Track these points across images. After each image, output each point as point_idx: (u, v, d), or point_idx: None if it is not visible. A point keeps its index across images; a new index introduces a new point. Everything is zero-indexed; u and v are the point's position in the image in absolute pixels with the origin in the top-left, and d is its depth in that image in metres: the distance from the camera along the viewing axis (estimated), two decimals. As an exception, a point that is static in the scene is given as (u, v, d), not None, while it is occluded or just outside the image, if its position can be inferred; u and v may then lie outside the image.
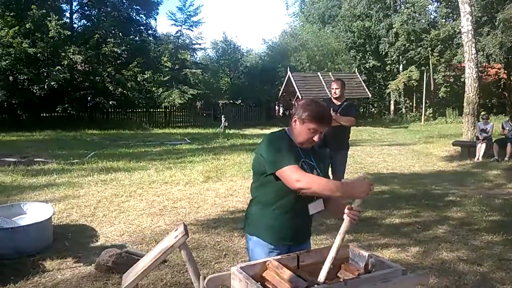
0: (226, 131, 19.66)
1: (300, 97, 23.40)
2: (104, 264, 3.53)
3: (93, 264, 3.70)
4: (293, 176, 2.01)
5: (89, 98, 21.98)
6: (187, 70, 27.25)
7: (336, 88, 5.48)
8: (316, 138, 2.19)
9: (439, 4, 30.22)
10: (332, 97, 5.61)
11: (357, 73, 26.10)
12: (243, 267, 1.95)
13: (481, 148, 10.10)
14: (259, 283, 1.80)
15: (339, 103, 5.48)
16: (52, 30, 19.68)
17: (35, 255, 3.94)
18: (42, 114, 22.06)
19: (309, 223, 2.34)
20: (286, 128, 2.34)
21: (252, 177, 2.32)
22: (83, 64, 22.57)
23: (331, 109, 5.41)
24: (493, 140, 10.29)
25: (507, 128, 10.15)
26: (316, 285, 1.79)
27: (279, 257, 2.08)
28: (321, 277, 1.87)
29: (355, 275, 1.95)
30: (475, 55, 12.46)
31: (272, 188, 2.19)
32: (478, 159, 10.03)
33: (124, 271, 2.93)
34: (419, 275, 1.94)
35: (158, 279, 3.49)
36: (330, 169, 5.65)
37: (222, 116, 22.39)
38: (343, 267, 2.13)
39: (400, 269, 1.92)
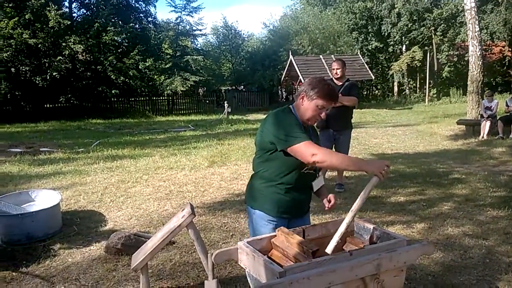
0: (230, 117, 19.65)
1: (302, 81, 23.30)
2: (114, 247, 3.59)
3: (102, 247, 3.76)
4: (309, 150, 2.07)
5: (91, 87, 21.99)
6: (189, 57, 27.11)
7: (337, 68, 5.45)
8: (322, 115, 2.25)
9: (441, -18, 29.79)
10: (333, 78, 5.59)
11: (360, 55, 25.88)
12: (250, 241, 1.98)
13: (485, 126, 10.05)
14: (266, 256, 1.84)
15: (340, 83, 5.46)
16: (52, 20, 19.63)
17: (45, 240, 4.01)
18: (45, 105, 22.14)
19: (309, 198, 2.42)
20: (290, 105, 2.36)
21: (255, 152, 2.35)
22: (84, 54, 22.54)
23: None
24: (497, 118, 10.23)
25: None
26: (322, 256, 1.83)
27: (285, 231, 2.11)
28: (329, 249, 1.90)
29: (360, 247, 1.98)
30: (479, 33, 12.31)
31: (278, 164, 2.23)
32: (482, 137, 9.99)
33: (133, 253, 2.99)
34: (423, 245, 1.96)
35: (167, 259, 3.55)
36: (333, 149, 5.69)
37: (225, 102, 22.36)
38: (349, 240, 2.17)
39: (404, 239, 1.95)
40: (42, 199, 4.68)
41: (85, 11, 25.07)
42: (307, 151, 2.07)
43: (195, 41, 31.79)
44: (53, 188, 5.80)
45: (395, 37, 30.73)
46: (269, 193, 2.28)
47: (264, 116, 2.45)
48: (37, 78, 20.15)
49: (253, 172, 2.42)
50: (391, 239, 1.97)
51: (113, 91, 22.07)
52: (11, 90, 19.84)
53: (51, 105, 22.46)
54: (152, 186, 6.18)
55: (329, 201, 2.39)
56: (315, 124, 2.43)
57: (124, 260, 3.50)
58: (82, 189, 5.98)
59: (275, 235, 2.06)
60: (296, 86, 24.14)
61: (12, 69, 20.17)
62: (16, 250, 3.76)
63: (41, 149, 9.60)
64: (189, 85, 26.23)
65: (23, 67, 20.78)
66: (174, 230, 2.71)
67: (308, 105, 2.23)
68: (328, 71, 21.74)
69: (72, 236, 4.16)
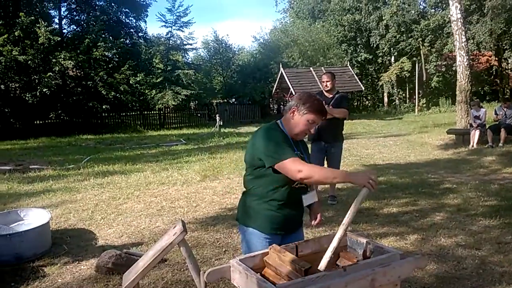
0: (221, 130, 19.66)
1: (293, 93, 23.43)
2: (104, 266, 3.52)
3: (93, 266, 3.70)
4: (295, 167, 2.08)
5: (82, 103, 21.92)
6: (180, 71, 27.21)
7: (327, 81, 5.50)
8: (312, 130, 2.28)
9: (427, -6, 30.37)
10: (323, 90, 5.62)
11: (349, 67, 26.14)
12: (242, 259, 1.95)
13: (475, 135, 10.15)
14: (259, 274, 1.81)
15: (330, 95, 5.50)
16: (42, 37, 19.59)
17: (35, 260, 3.93)
18: (35, 122, 21.96)
19: (302, 213, 2.41)
20: (278, 120, 2.37)
21: (246, 169, 2.35)
22: (74, 70, 22.50)
23: (323, 102, 5.44)
24: (486, 127, 10.34)
25: (501, 113, 10.20)
26: (316, 273, 1.81)
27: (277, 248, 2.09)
28: (322, 265, 1.89)
29: (354, 262, 1.96)
30: (466, 43, 12.51)
31: (268, 181, 2.22)
32: (472, 146, 10.08)
33: (124, 272, 2.93)
34: (417, 258, 1.95)
35: (158, 278, 3.49)
36: (325, 162, 5.69)
37: (217, 115, 22.40)
38: (342, 255, 2.15)
39: (398, 253, 1.94)
40: (32, 218, 4.61)
41: (75, 27, 25.13)
42: (293, 167, 2.08)
43: (186, 55, 32.01)
44: (43, 206, 5.72)
45: (383, 48, 31.16)
46: (261, 210, 2.27)
47: (255, 129, 2.46)
48: (27, 95, 20.01)
49: (245, 189, 2.41)
50: (385, 253, 1.96)
51: (104, 107, 21.99)
52: (0, 107, 19.68)
53: (41, 122, 22.28)
54: (143, 202, 6.11)
55: (315, 219, 2.44)
56: (306, 137, 2.45)
57: (115, 279, 3.44)
58: (72, 207, 5.89)
59: (267, 252, 2.03)
60: (287, 98, 24.26)
61: (2, 86, 20.02)
62: (5, 271, 3.68)
63: (30, 167, 9.47)
64: (181, 99, 26.26)
65: (13, 83, 20.64)
66: (165, 248, 2.66)
67: (299, 120, 2.24)
68: (319, 83, 21.90)
69: (62, 255, 4.08)
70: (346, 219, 1.93)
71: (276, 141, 2.19)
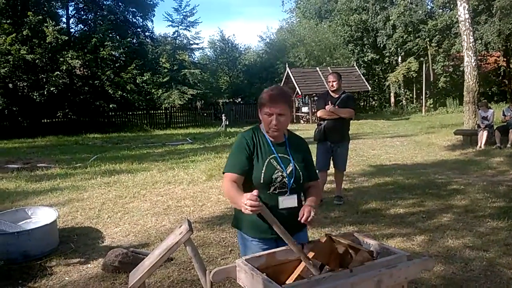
0: (227, 130, 19.67)
1: (300, 93, 23.38)
2: (111, 264, 3.54)
3: (100, 265, 3.72)
4: (222, 183, 2.17)
5: (89, 102, 22.05)
6: (186, 70, 27.30)
7: (333, 81, 5.50)
8: (274, 121, 2.12)
9: (435, -6, 30.17)
10: (329, 90, 5.61)
11: (356, 67, 26.06)
12: (248, 259, 1.95)
13: (482, 136, 10.07)
14: (265, 274, 1.81)
15: (337, 95, 5.49)
16: (50, 36, 19.75)
17: (42, 258, 3.96)
18: (43, 120, 22.13)
19: (292, 216, 2.13)
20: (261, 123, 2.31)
21: None
22: (81, 69, 22.65)
23: (330, 102, 5.44)
24: (494, 128, 10.26)
25: (509, 114, 10.11)
26: (323, 274, 1.81)
27: (283, 248, 2.08)
28: (315, 272, 1.89)
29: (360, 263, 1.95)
30: (473, 43, 12.41)
31: (246, 185, 2.18)
32: (480, 147, 10.01)
33: (131, 270, 2.94)
34: (424, 260, 1.94)
35: (165, 276, 3.50)
36: (332, 162, 5.68)
37: (223, 115, 22.42)
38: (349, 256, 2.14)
39: (404, 255, 1.93)
40: (39, 216, 4.64)
41: (82, 27, 25.29)
42: (223, 183, 2.17)
43: (192, 54, 32.12)
44: (50, 204, 5.76)
45: (390, 48, 31.01)
46: (245, 214, 2.12)
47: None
48: (35, 94, 20.21)
49: None
50: (391, 255, 1.95)
51: (110, 106, 22.14)
52: (8, 105, 19.86)
53: (48, 120, 22.47)
54: (149, 201, 6.13)
55: (303, 215, 2.08)
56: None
57: (121, 278, 3.45)
58: (80, 205, 5.93)
59: (273, 252, 2.03)
60: (293, 98, 24.23)
61: (10, 85, 20.20)
62: (12, 269, 3.71)
63: (38, 165, 9.55)
64: (187, 99, 26.37)
65: (21, 82, 20.83)
66: (171, 248, 2.66)
67: (261, 116, 2.18)
68: (325, 83, 21.84)
69: (69, 253, 4.11)
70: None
71: (233, 151, 2.21)
